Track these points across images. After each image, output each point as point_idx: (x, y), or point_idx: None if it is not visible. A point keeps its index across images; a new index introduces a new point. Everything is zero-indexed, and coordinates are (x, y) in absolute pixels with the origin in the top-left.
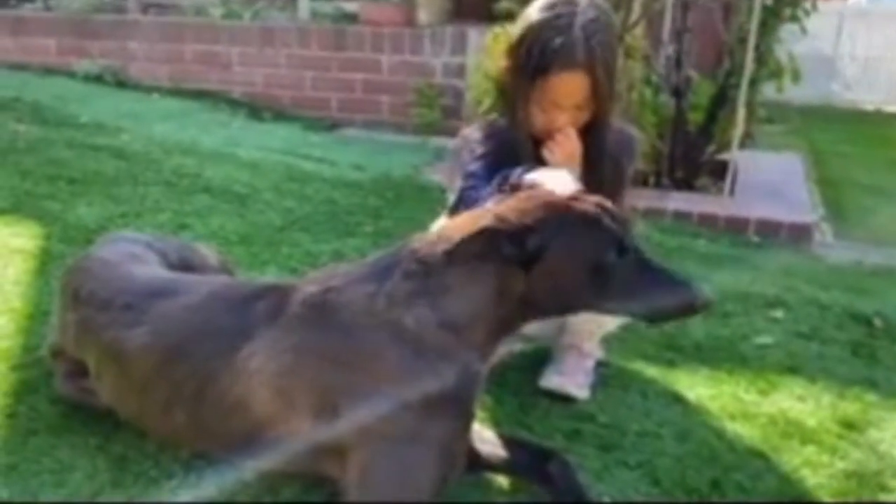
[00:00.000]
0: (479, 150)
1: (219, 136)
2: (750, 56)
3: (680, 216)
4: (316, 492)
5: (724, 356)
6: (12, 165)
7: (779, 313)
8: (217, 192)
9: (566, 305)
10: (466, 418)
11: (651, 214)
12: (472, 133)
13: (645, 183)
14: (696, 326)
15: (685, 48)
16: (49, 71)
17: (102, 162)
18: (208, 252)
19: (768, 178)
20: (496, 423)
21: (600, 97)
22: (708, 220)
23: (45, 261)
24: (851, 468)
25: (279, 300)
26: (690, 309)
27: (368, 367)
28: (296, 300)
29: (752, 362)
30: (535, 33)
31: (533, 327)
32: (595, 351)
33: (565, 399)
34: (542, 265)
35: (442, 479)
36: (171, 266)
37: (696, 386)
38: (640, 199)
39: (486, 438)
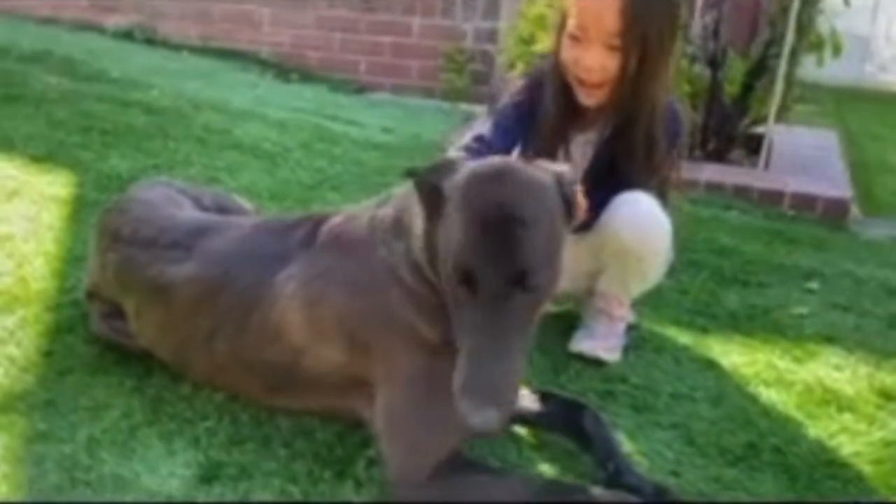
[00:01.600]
0: (510, 102)
1: (247, 95)
2: (792, 26)
3: (713, 188)
4: (350, 436)
5: (758, 325)
6: (45, 116)
7: (814, 285)
8: (247, 149)
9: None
10: None
11: (683, 185)
12: (515, 81)
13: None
14: (730, 296)
15: (723, 18)
16: (79, 26)
17: (133, 116)
18: (241, 200)
19: (804, 153)
20: (527, 383)
21: (637, 41)
22: (742, 193)
23: (78, 208)
24: (889, 437)
25: (313, 228)
26: None
27: (379, 302)
28: (325, 229)
29: (787, 331)
30: None
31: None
32: (626, 314)
33: (596, 362)
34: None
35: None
36: (206, 210)
37: (729, 353)
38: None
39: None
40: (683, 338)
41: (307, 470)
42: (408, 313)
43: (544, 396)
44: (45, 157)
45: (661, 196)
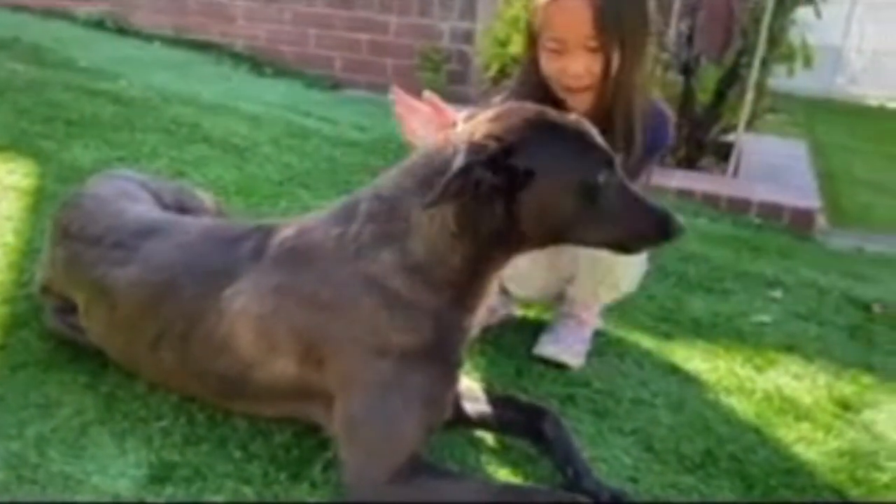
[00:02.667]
0: None
1: (219, 89)
2: (764, 36)
3: (682, 194)
4: (307, 438)
5: (721, 332)
6: (9, 104)
7: (777, 293)
8: (215, 143)
9: (554, 235)
10: (447, 366)
11: (653, 191)
12: (496, 99)
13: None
14: (695, 302)
15: (697, 26)
16: (49, 13)
17: (100, 106)
18: (204, 195)
19: (773, 162)
20: (490, 385)
21: (614, 38)
22: (710, 200)
23: (38, 199)
24: (845, 447)
25: (262, 241)
26: (667, 236)
27: (344, 314)
28: (275, 242)
29: (749, 339)
30: None
31: (532, 293)
32: (593, 320)
33: (560, 366)
34: (529, 191)
35: (426, 427)
36: (166, 207)
37: (692, 359)
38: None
39: (477, 397)
40: (647, 343)
41: (262, 471)
42: (379, 321)
43: (505, 400)
44: (6, 146)
45: None
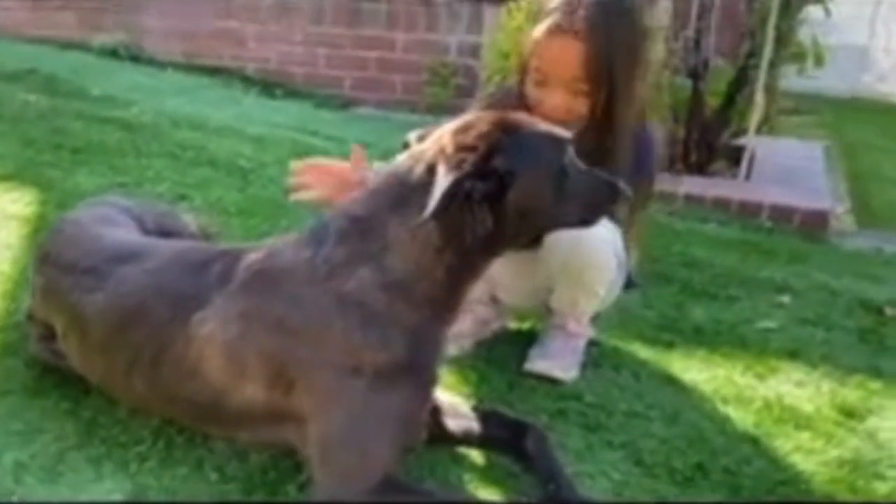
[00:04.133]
0: None
1: (229, 112)
2: (770, 36)
3: (692, 200)
4: (283, 460)
5: (723, 340)
6: (19, 134)
7: (785, 298)
8: (220, 166)
9: (534, 228)
10: (423, 385)
11: (662, 198)
12: (474, 106)
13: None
14: (697, 310)
15: (705, 30)
16: (68, 45)
17: (108, 133)
18: (189, 219)
19: (786, 165)
20: (479, 400)
21: (602, 85)
22: (721, 205)
23: (38, 227)
24: (847, 456)
25: (230, 265)
26: (615, 200)
27: (314, 336)
28: (242, 266)
29: (752, 346)
30: None
31: (522, 300)
32: (584, 331)
33: (552, 380)
34: (514, 190)
35: (400, 446)
36: (147, 231)
37: (691, 369)
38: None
39: (461, 413)
40: (645, 353)
41: (239, 493)
42: (351, 341)
43: (489, 416)
44: (12, 175)
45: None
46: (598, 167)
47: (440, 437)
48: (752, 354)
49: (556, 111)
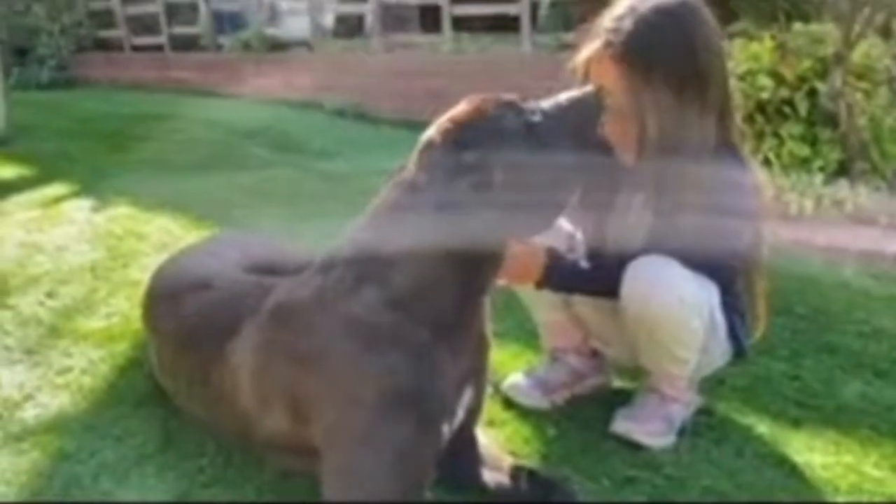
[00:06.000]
0: None
1: None
2: None
3: (864, 255)
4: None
5: (868, 422)
6: (228, 179)
7: None
8: None
9: (539, 189)
10: (431, 417)
11: (865, 258)
12: None
13: (875, 223)
14: (852, 386)
15: None
16: (305, 105)
17: (308, 181)
18: (297, 255)
19: None
20: (544, 458)
21: (648, 109)
22: None
23: None
24: None
25: (260, 297)
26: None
27: (321, 365)
28: (270, 298)
29: None
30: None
31: (622, 351)
32: (683, 396)
33: (637, 445)
34: (494, 177)
35: (406, 484)
36: (254, 265)
37: (812, 451)
38: (859, 239)
39: (500, 466)
40: (762, 428)
41: None
42: (354, 368)
43: (524, 473)
44: (206, 215)
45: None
46: (664, 203)
47: (474, 487)
48: None
49: (613, 135)
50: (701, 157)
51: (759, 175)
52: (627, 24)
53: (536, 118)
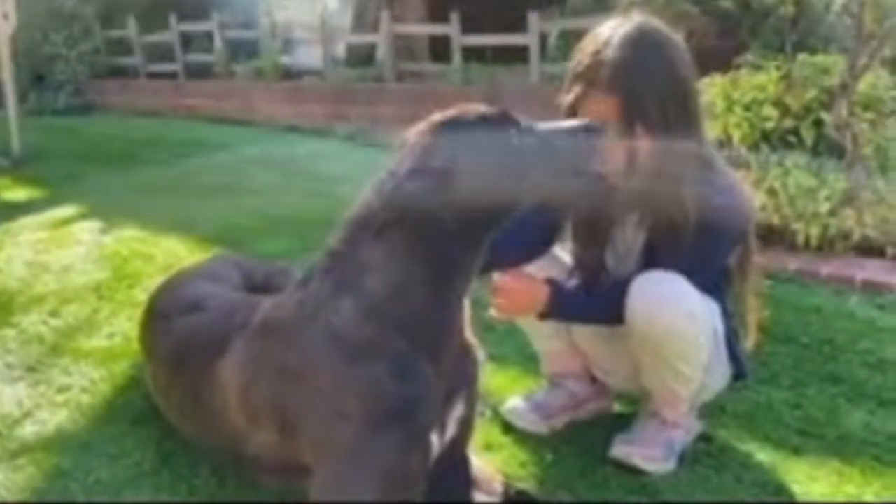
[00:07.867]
0: None
1: None
2: None
3: (868, 286)
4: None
5: (871, 452)
6: (233, 203)
7: None
8: None
9: (504, 208)
10: (417, 431)
11: (871, 288)
12: None
13: (882, 254)
14: (856, 415)
15: None
16: (316, 132)
17: (315, 205)
18: (297, 276)
19: None
20: (541, 483)
21: (636, 134)
22: None
23: None
24: None
25: (248, 314)
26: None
27: (305, 380)
28: (258, 314)
29: None
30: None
31: (623, 382)
32: (684, 421)
33: (638, 471)
34: (458, 184)
35: (395, 500)
36: (253, 286)
37: (813, 481)
38: (865, 269)
39: (493, 490)
40: (763, 456)
41: None
42: (337, 382)
43: (516, 496)
44: (214, 238)
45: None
46: (659, 225)
47: None
48: None
49: (609, 162)
50: (687, 169)
51: (735, 175)
52: (608, 55)
53: (521, 135)
